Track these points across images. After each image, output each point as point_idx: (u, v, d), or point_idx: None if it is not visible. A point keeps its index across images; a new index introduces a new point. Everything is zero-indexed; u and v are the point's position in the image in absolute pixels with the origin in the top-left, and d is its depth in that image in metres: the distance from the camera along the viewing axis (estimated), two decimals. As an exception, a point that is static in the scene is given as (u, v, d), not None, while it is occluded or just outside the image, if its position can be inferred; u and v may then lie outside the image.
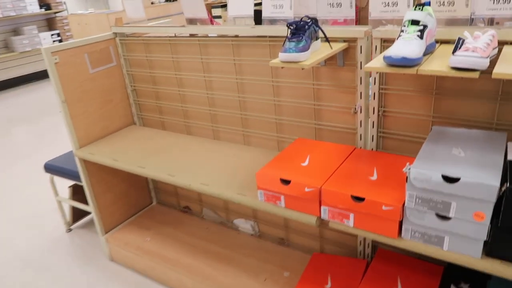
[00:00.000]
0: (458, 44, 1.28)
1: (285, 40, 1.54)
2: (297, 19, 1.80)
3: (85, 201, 2.81)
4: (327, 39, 1.54)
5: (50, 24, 8.03)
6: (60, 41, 7.87)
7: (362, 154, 1.68)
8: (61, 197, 2.95)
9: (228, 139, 2.29)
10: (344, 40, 1.67)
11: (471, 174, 1.17)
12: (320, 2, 1.64)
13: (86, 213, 3.12)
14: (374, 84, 1.69)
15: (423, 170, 1.21)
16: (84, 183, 2.43)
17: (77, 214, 3.07)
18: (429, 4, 1.32)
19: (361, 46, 1.64)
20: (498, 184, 1.11)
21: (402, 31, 1.30)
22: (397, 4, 1.51)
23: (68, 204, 2.95)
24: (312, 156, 1.68)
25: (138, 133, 2.50)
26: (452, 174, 1.17)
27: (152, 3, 8.72)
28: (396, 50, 1.21)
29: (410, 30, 1.27)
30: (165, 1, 8.93)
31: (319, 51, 1.56)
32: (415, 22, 1.29)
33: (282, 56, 1.42)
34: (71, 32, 8.02)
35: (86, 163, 2.39)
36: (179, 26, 2.16)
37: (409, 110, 1.66)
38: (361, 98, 1.74)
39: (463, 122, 1.56)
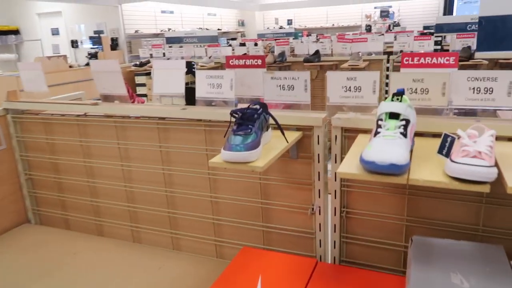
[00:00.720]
0: (445, 142, 1.03)
1: (228, 130, 1.20)
2: (239, 103, 1.49)
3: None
4: (282, 131, 1.22)
5: None
6: (-44, 106, 6.87)
7: (327, 272, 1.32)
8: None
9: (153, 241, 1.82)
10: (298, 128, 1.38)
11: (494, 324, 0.85)
12: (268, 83, 1.35)
13: None
14: (335, 180, 1.39)
15: (431, 321, 0.87)
16: None
17: None
18: (403, 92, 1.08)
19: (318, 136, 1.35)
20: None
21: (379, 126, 1.02)
22: (360, 89, 1.27)
23: None
24: (264, 277, 1.28)
25: (32, 235, 1.92)
26: (470, 326, 0.85)
27: (70, 66, 8.13)
28: (381, 154, 0.92)
29: (391, 126, 1.00)
30: (85, 65, 8.40)
31: (270, 144, 1.23)
32: (394, 116, 1.03)
33: (227, 155, 1.06)
34: (-30, 97, 7.07)
35: (-49, 283, 1.73)
36: (91, 103, 1.74)
37: (377, 211, 1.37)
38: (319, 196, 1.43)
39: (443, 227, 1.30)
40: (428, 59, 1.23)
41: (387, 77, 4.06)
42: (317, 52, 4.33)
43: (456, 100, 1.16)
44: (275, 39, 6.88)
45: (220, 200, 1.62)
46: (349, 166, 1.01)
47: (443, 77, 1.14)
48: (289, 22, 13.18)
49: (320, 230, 1.46)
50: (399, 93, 1.04)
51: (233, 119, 1.16)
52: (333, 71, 1.27)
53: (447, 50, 4.78)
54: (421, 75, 1.17)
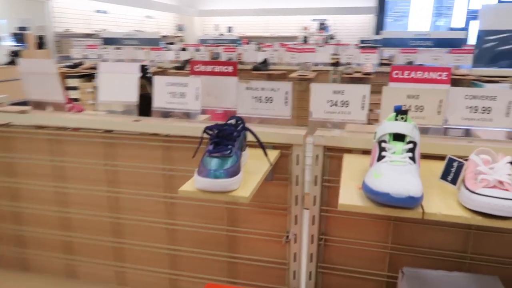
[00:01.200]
0: (450, 167, 0.92)
1: (198, 149, 0.99)
2: (200, 114, 1.29)
3: None
4: (265, 152, 1.04)
5: None
6: None
7: (309, 312, 1.16)
8: None
9: (92, 276, 1.53)
10: (274, 147, 1.21)
11: None
12: (242, 94, 1.16)
13: None
14: (314, 204, 1.24)
15: None
16: None
17: None
18: (400, 108, 0.95)
19: (297, 155, 1.19)
20: None
21: (383, 149, 0.88)
22: (348, 104, 1.13)
23: None
24: (238, 323, 1.09)
25: None
26: None
27: (-13, 65, 7.23)
28: (396, 185, 0.77)
29: (398, 149, 0.86)
30: (6, 64, 7.54)
31: (248, 166, 1.04)
32: (398, 137, 0.89)
33: (205, 183, 0.86)
34: None
35: None
36: (17, 111, 1.43)
37: (358, 238, 1.24)
38: (296, 223, 1.26)
39: (428, 255, 1.19)
40: (420, 74, 1.12)
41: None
42: (265, 60, 4.23)
43: (452, 120, 1.07)
44: (217, 45, 6.70)
45: (178, 227, 1.39)
46: (351, 197, 0.85)
47: (440, 94, 1.04)
48: (229, 29, 13.07)
49: (295, 261, 1.30)
50: (404, 111, 0.91)
51: (205, 135, 0.96)
52: (318, 83, 1.12)
53: (389, 65, 4.93)
54: (417, 91, 1.06)
